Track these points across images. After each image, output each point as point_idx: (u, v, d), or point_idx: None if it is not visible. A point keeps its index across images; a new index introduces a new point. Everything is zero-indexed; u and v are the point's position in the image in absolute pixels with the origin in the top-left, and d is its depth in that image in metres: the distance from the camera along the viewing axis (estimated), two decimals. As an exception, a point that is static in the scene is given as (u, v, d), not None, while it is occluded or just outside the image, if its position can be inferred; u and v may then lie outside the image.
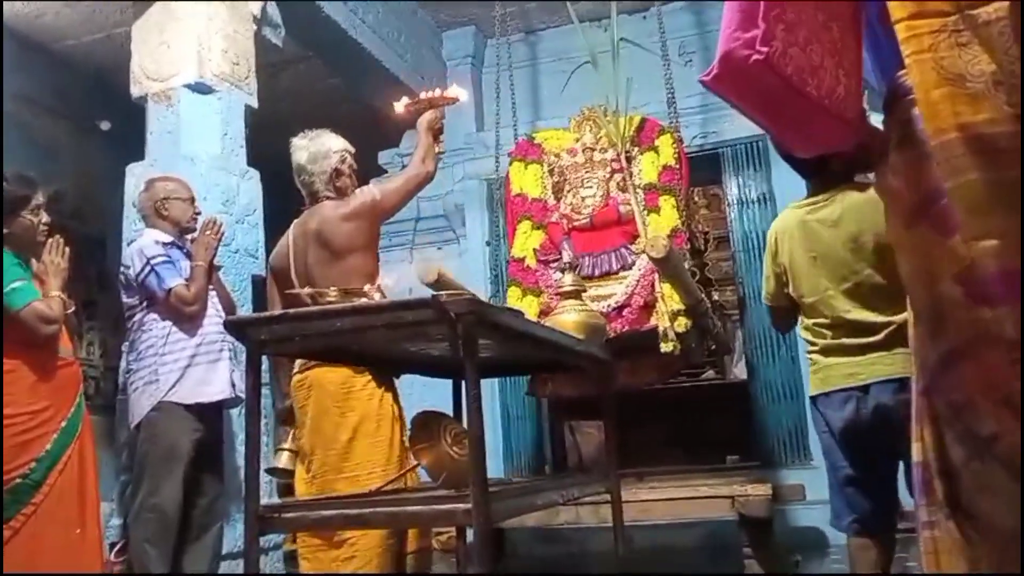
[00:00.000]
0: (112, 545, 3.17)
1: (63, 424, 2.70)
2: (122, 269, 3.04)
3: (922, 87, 1.08)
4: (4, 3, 4.31)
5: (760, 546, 3.21)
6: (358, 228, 2.49)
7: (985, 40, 1.05)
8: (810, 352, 2.39)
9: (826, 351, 2.30)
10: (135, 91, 3.70)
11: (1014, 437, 1.00)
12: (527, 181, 4.12)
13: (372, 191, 2.58)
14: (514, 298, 3.79)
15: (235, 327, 1.72)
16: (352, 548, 2.22)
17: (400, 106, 2.73)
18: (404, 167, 5.69)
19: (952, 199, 1.05)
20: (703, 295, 3.56)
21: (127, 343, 3.20)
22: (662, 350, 3.41)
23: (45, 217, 2.82)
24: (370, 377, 2.36)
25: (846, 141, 1.25)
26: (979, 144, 1.04)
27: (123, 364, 3.40)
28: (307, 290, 1.89)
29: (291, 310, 1.82)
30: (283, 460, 2.81)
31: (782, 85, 1.12)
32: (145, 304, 2.97)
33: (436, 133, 2.71)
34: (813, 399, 2.36)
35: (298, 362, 2.48)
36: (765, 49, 1.09)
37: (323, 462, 2.34)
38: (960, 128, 1.04)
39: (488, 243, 5.33)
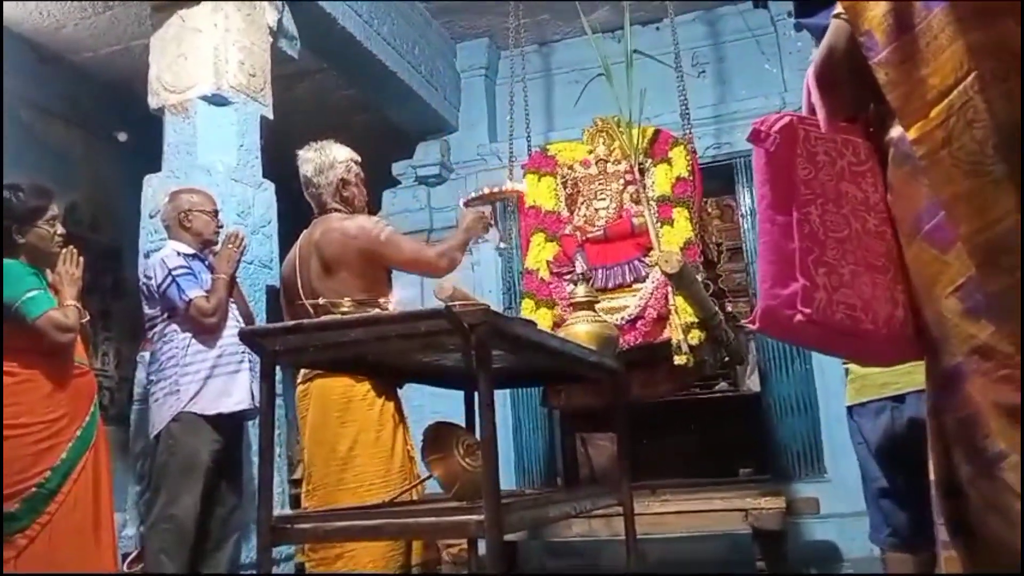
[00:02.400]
0: (125, 555, 3.18)
1: (78, 433, 2.71)
2: (143, 280, 3.06)
3: (946, 189, 1.01)
4: (4, 4, 4.35)
5: (773, 560, 3.19)
6: (354, 249, 2.44)
7: (990, 103, 0.98)
8: (847, 362, 2.36)
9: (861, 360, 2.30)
10: (152, 102, 3.73)
11: (1021, 455, 0.98)
12: (541, 194, 4.13)
13: (382, 230, 2.50)
14: (528, 310, 3.79)
15: (250, 337, 1.73)
16: (355, 560, 2.21)
17: (461, 202, 2.65)
18: (417, 179, 5.81)
19: (1000, 304, 0.98)
20: (716, 307, 3.55)
21: (146, 353, 3.21)
22: (675, 363, 3.40)
23: (60, 228, 2.84)
24: (369, 387, 2.35)
25: (911, 356, 1.19)
26: (1015, 237, 0.96)
27: (138, 375, 3.42)
28: (321, 300, 1.89)
29: (305, 320, 1.83)
30: (301, 472, 2.82)
31: (834, 333, 1.09)
32: (166, 315, 2.99)
33: (476, 234, 2.61)
34: (849, 409, 2.35)
35: (301, 372, 2.47)
36: (808, 310, 1.06)
37: (324, 474, 2.33)
38: (994, 224, 0.98)
39: (501, 255, 5.34)
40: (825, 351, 1.41)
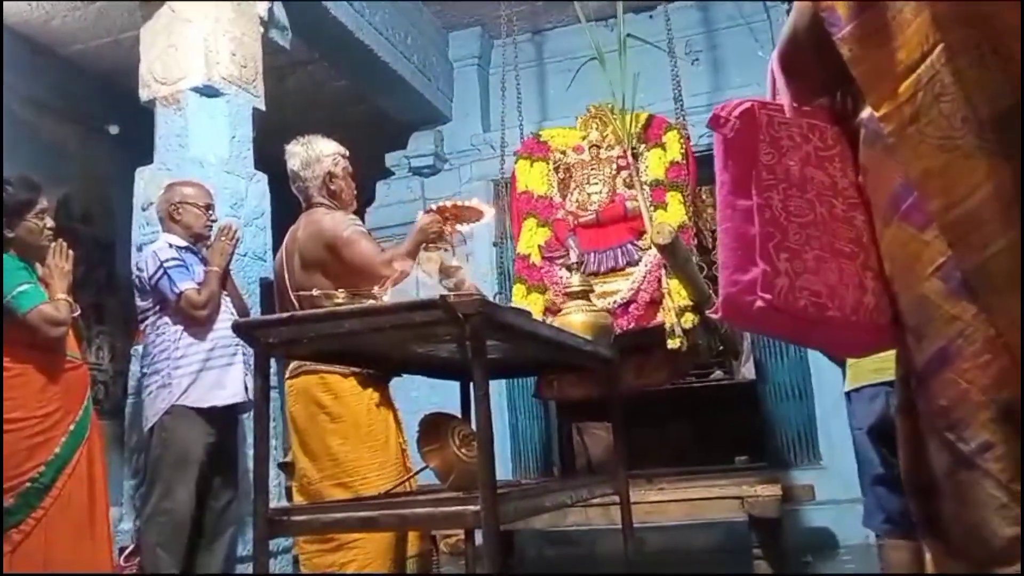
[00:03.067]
0: (122, 549, 3.17)
1: (72, 427, 2.71)
2: (136, 272, 3.05)
3: (916, 165, 0.99)
4: (4, 4, 4.32)
5: (770, 547, 3.20)
6: (323, 247, 2.40)
7: (959, 73, 0.96)
8: None
9: None
10: (143, 94, 3.71)
11: (1008, 448, 0.94)
12: (533, 178, 4.12)
13: (345, 230, 2.41)
14: (519, 295, 3.78)
15: (243, 329, 1.72)
16: (351, 552, 2.20)
17: (422, 213, 2.51)
18: (411, 170, 5.79)
19: (975, 283, 0.96)
20: (710, 291, 3.55)
21: (138, 347, 3.20)
22: (669, 346, 3.39)
23: (50, 221, 2.83)
24: (355, 381, 2.34)
25: (883, 345, 1.15)
26: (993, 208, 0.94)
27: (132, 368, 3.40)
28: (315, 292, 1.88)
29: (299, 312, 1.82)
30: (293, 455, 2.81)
31: (798, 320, 1.06)
32: (158, 307, 2.98)
33: (428, 239, 2.40)
34: (847, 395, 2.35)
35: (288, 368, 2.46)
36: (768, 296, 1.03)
37: (316, 470, 2.32)
38: (966, 199, 0.96)
39: (495, 244, 5.33)
40: (795, 341, 1.39)
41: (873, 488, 2.25)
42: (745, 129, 1.11)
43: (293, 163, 2.60)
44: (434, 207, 2.51)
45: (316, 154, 2.59)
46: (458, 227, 2.49)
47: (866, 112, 1.10)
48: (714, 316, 1.12)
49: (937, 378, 1.00)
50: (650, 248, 3.61)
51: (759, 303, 1.04)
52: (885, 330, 1.11)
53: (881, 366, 2.16)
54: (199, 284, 2.93)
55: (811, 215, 1.10)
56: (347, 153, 2.68)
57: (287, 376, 2.47)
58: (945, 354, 0.99)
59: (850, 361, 2.31)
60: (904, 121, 1.00)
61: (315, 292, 1.86)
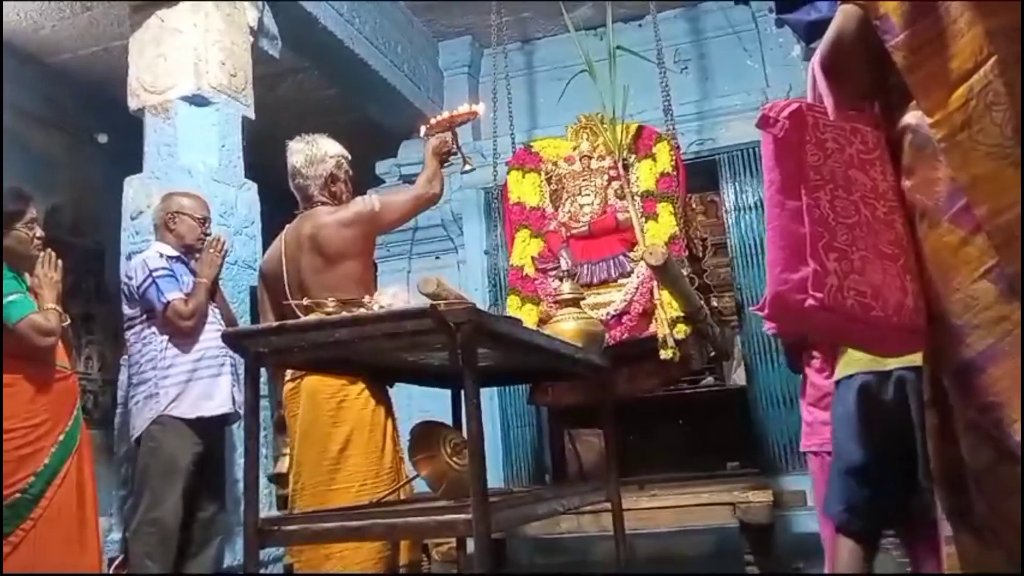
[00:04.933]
0: (111, 560, 3.15)
1: (61, 437, 2.69)
2: (124, 280, 3.04)
3: (966, 171, 1.03)
4: (4, 5, 4.30)
5: (761, 553, 3.20)
6: (354, 236, 2.48)
7: (1011, 85, 0.99)
8: None
9: None
10: (132, 104, 3.70)
11: None
12: (525, 190, 4.12)
13: (372, 201, 2.57)
14: (513, 306, 3.79)
15: (233, 339, 1.72)
16: (341, 563, 2.20)
17: (421, 132, 2.77)
18: (401, 178, 5.80)
19: (1019, 286, 1.00)
20: (702, 302, 3.56)
21: (126, 356, 3.19)
22: (661, 357, 3.40)
23: (39, 231, 2.82)
24: (363, 387, 2.34)
25: (916, 346, 1.18)
26: None
27: (122, 378, 3.39)
28: (305, 301, 1.88)
29: (289, 321, 1.82)
30: (284, 465, 2.80)
31: (844, 319, 1.08)
32: (145, 316, 2.97)
33: (442, 158, 2.72)
34: (836, 383, 2.33)
35: (290, 371, 2.46)
36: (820, 294, 1.05)
37: (313, 473, 2.32)
38: (1013, 205, 0.99)
39: (487, 252, 5.33)
40: (832, 338, 1.40)
41: (844, 477, 2.21)
42: (794, 129, 1.13)
43: (296, 159, 2.61)
44: (432, 120, 2.74)
45: (320, 154, 2.61)
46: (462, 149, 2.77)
47: (913, 117, 1.12)
48: (759, 313, 1.13)
49: (983, 375, 1.03)
50: (642, 259, 3.62)
51: (810, 302, 1.06)
52: (920, 331, 1.13)
53: (865, 356, 2.14)
54: (187, 295, 2.92)
55: (856, 216, 1.12)
56: (349, 156, 2.70)
57: (289, 379, 2.47)
58: (993, 353, 1.02)
59: (842, 350, 2.29)
60: (955, 128, 1.03)
61: (305, 301, 1.86)
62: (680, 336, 3.42)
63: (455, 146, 2.75)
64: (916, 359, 2.01)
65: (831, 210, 1.11)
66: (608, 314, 3.61)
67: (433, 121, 2.75)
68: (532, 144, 4.35)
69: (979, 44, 1.01)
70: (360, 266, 2.50)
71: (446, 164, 2.75)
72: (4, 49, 4.81)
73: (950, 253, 1.07)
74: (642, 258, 3.13)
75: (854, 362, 2.22)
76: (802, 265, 1.07)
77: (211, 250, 3.04)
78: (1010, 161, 0.99)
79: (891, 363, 2.12)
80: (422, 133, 2.78)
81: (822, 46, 1.23)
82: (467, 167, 2.78)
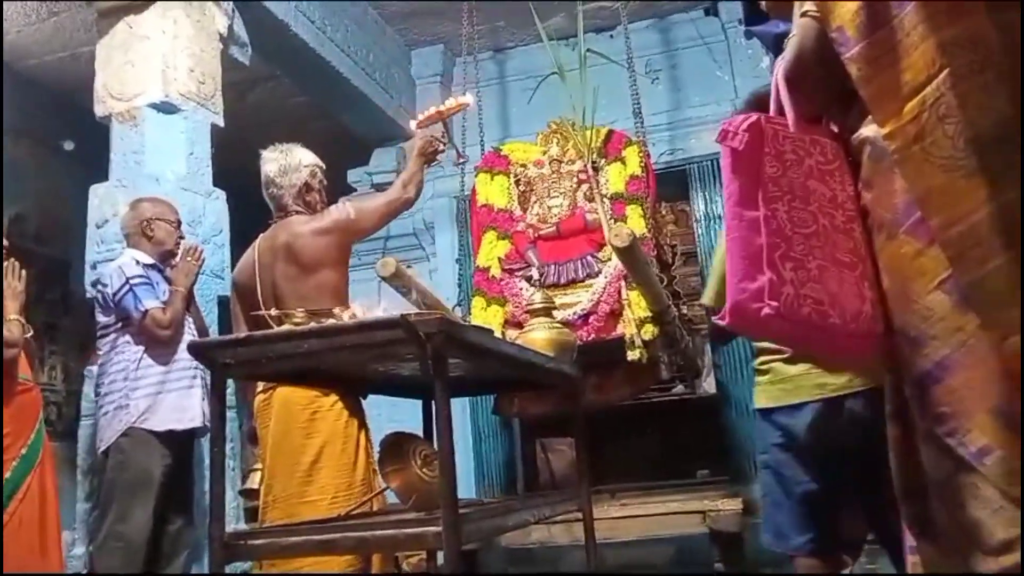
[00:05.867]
0: (75, 575, 3.09)
1: (23, 451, 2.64)
2: (99, 288, 2.99)
3: (919, 183, 1.04)
4: (3, 5, 4.23)
5: (731, 560, 3.22)
6: (329, 244, 2.47)
7: (963, 97, 1.01)
8: (770, 361, 2.21)
9: (793, 359, 2.12)
10: (99, 111, 3.65)
11: (1007, 451, 0.99)
12: (493, 192, 4.12)
13: (347, 209, 2.56)
14: (479, 308, 3.78)
15: (199, 350, 1.70)
16: None
17: (412, 125, 2.74)
18: (373, 186, 5.77)
19: (973, 297, 1.01)
20: (670, 302, 3.57)
21: (94, 367, 3.14)
22: (628, 358, 3.41)
23: (3, 240, 2.77)
24: (337, 398, 2.32)
25: (875, 353, 1.19)
26: (993, 226, 0.99)
27: (86, 389, 3.33)
28: (273, 312, 1.86)
29: (257, 332, 1.80)
30: (255, 481, 2.76)
31: (801, 327, 1.10)
32: (120, 325, 2.92)
33: (428, 158, 2.70)
34: (769, 411, 2.19)
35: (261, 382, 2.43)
36: (775, 303, 1.07)
37: (285, 486, 2.29)
38: (966, 217, 1.00)
39: (458, 261, 5.33)
40: (795, 347, 1.41)
41: (798, 507, 2.10)
42: (752, 142, 1.14)
43: (270, 168, 2.59)
44: (421, 116, 2.72)
45: (295, 163, 2.59)
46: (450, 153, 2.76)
47: (870, 129, 1.14)
48: (721, 322, 1.14)
49: (940, 386, 1.05)
50: (610, 260, 3.63)
51: (766, 310, 1.07)
52: (877, 338, 1.15)
53: (824, 380, 2.06)
54: (164, 303, 2.88)
55: (814, 226, 1.14)
56: (323, 166, 2.68)
57: (260, 390, 2.44)
58: (949, 363, 1.04)
59: (776, 375, 2.18)
60: (909, 140, 1.04)
61: (273, 312, 1.85)
62: (648, 337, 3.43)
63: (447, 139, 2.73)
64: (866, 382, 2.00)
65: (788, 220, 1.12)
66: (575, 314, 3.62)
67: (422, 116, 2.73)
68: (501, 147, 4.35)
69: (931, 57, 1.02)
70: (336, 275, 2.48)
71: (433, 164, 2.71)
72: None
73: (906, 264, 1.09)
74: (609, 241, 3.11)
75: (802, 389, 2.09)
76: (759, 275, 1.09)
77: (188, 258, 3.01)
78: (962, 173, 1.01)
79: (840, 389, 2.03)
80: (412, 126, 2.76)
81: (784, 58, 1.25)
82: (461, 160, 2.76)
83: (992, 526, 1.00)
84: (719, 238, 2.33)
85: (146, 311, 2.83)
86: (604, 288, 3.67)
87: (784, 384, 2.15)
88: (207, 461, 3.15)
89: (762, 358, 2.21)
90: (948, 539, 1.07)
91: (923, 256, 1.06)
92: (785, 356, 2.16)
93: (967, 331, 1.02)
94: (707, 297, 2.31)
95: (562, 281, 3.83)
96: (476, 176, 4.21)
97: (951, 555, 1.07)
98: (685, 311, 5.86)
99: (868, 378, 1.98)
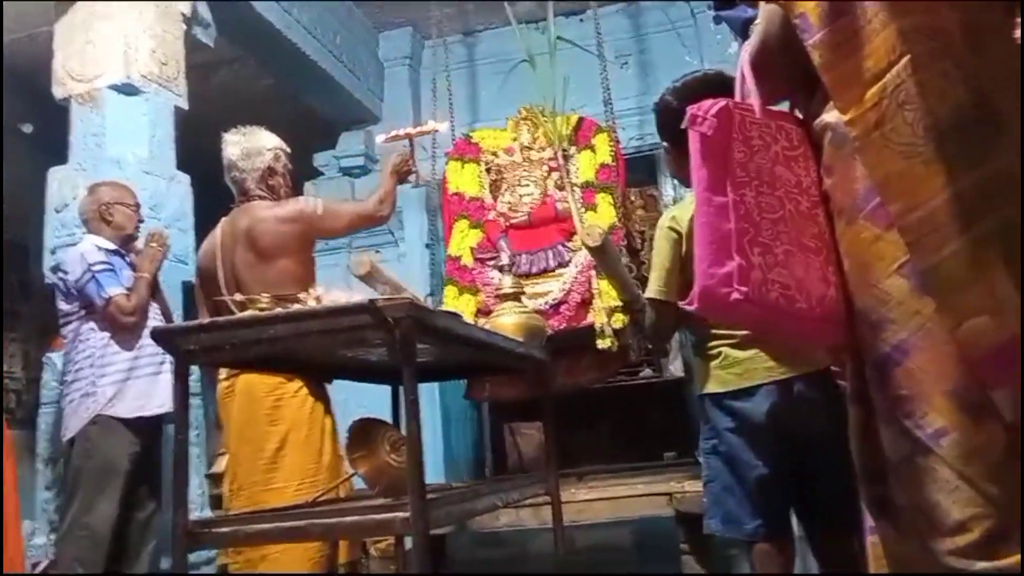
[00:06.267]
0: (34, 565, 3.05)
1: (-19, 439, 2.59)
2: (60, 275, 2.93)
3: (879, 169, 1.05)
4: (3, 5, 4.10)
5: (696, 542, 3.25)
6: (290, 234, 2.42)
7: (923, 84, 1.02)
8: (718, 346, 2.14)
9: (742, 344, 2.09)
10: (58, 92, 3.57)
11: (962, 435, 1.01)
12: (464, 180, 4.11)
13: (315, 204, 2.50)
14: (451, 297, 3.78)
15: (163, 336, 1.67)
16: (277, 564, 2.16)
17: (380, 139, 2.69)
18: (341, 171, 5.72)
19: (930, 282, 1.03)
20: (640, 291, 3.59)
21: (54, 354, 3.08)
22: (599, 347, 3.43)
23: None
24: (301, 384, 2.30)
25: (839, 337, 1.19)
26: (950, 213, 1.01)
27: (46, 376, 3.27)
28: (238, 297, 1.84)
29: (220, 318, 1.78)
30: (222, 465, 2.74)
31: (769, 312, 1.11)
32: (83, 312, 2.87)
33: (402, 176, 2.65)
34: (719, 395, 2.13)
35: (224, 368, 2.40)
36: (745, 288, 1.08)
37: (250, 473, 2.27)
38: (925, 203, 1.02)
39: (428, 246, 5.30)
40: (762, 332, 1.42)
41: (751, 492, 2.06)
42: (721, 127, 1.15)
43: (232, 152, 2.54)
44: (397, 132, 2.68)
45: (257, 146, 2.54)
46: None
47: (832, 115, 1.14)
48: (689, 308, 1.15)
49: (898, 369, 1.06)
50: (581, 249, 3.65)
51: (735, 295, 1.08)
52: (842, 323, 1.16)
53: (774, 364, 2.03)
54: (128, 290, 2.83)
55: (781, 212, 1.14)
56: (288, 150, 2.64)
57: (224, 376, 2.41)
58: (906, 346, 1.06)
59: (728, 360, 2.12)
60: (869, 127, 1.06)
61: (238, 297, 1.82)
62: (618, 326, 3.46)
63: (413, 160, 2.68)
64: (818, 363, 2.01)
65: (756, 206, 1.13)
66: (546, 303, 3.63)
67: (393, 133, 2.69)
68: (471, 135, 4.34)
69: (892, 44, 1.03)
70: (296, 263, 2.43)
71: (404, 183, 2.67)
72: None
73: (865, 249, 1.10)
74: (581, 240, 3.13)
75: (754, 372, 2.05)
76: (728, 260, 1.09)
77: (153, 243, 2.96)
78: (921, 160, 1.02)
79: (789, 371, 2.01)
80: (381, 141, 2.73)
81: (751, 45, 1.25)
82: (422, 182, 2.73)
83: (948, 506, 1.02)
84: (658, 231, 2.28)
85: (109, 298, 2.78)
86: (575, 277, 3.69)
87: (735, 368, 2.10)
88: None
89: (714, 343, 2.15)
90: (906, 519, 1.09)
91: (882, 241, 1.07)
92: (734, 341, 2.11)
93: (924, 315, 1.04)
94: (652, 291, 2.20)
95: (533, 271, 3.84)
96: (447, 163, 4.20)
97: (909, 535, 1.09)
98: (653, 296, 5.86)
99: (816, 362, 1.98)
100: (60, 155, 3.53)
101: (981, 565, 1.00)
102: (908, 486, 1.07)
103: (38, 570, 3.02)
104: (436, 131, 2.73)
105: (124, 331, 2.83)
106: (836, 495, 2.02)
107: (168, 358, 2.86)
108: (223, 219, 2.57)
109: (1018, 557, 0.99)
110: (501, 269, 3.24)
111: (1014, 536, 1.00)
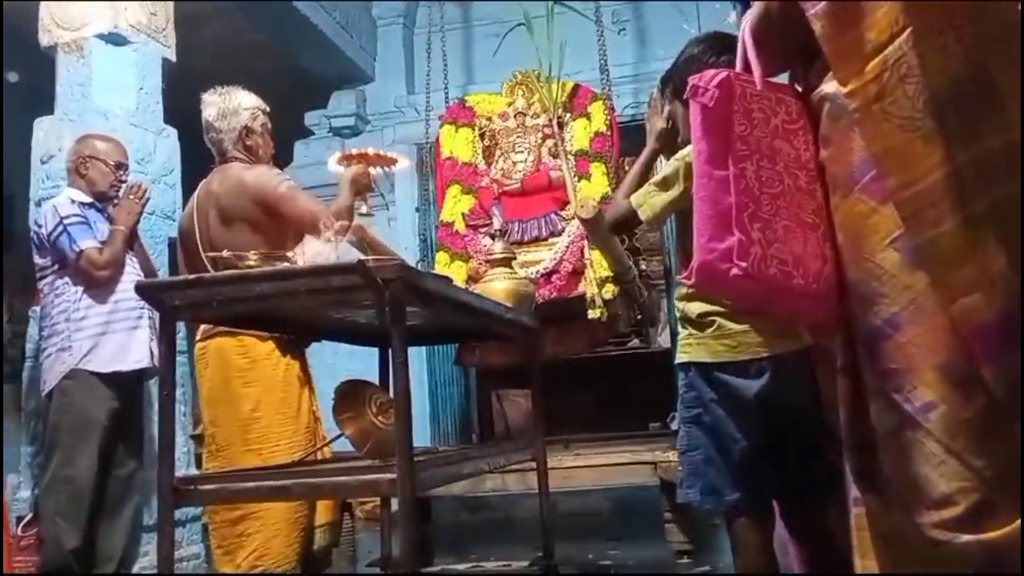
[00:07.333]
0: (19, 519, 3.04)
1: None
2: (34, 228, 2.89)
3: (877, 143, 1.04)
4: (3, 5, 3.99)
5: (680, 510, 3.28)
6: (250, 199, 2.32)
7: (924, 57, 1.01)
8: (713, 315, 2.02)
9: (736, 316, 1.98)
10: (44, 40, 3.49)
11: (950, 408, 1.01)
12: (458, 145, 4.07)
13: (279, 185, 2.35)
14: (442, 263, 3.75)
15: (148, 291, 1.65)
16: (256, 522, 2.14)
17: (333, 161, 2.54)
18: (331, 130, 5.65)
19: (925, 257, 1.02)
20: (631, 263, 3.60)
21: (36, 308, 3.04)
22: (589, 316, 3.42)
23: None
24: (274, 345, 2.27)
25: (829, 316, 1.20)
26: (947, 188, 1.00)
27: (31, 330, 3.24)
28: (225, 253, 1.80)
29: (207, 274, 1.75)
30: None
31: (767, 287, 1.10)
32: (57, 266, 2.83)
33: (361, 191, 2.47)
34: (707, 366, 2.04)
35: (200, 329, 2.36)
36: (744, 264, 1.07)
37: (226, 435, 2.25)
38: (923, 178, 1.01)
39: (418, 209, 5.26)
40: (758, 307, 1.41)
41: (734, 465, 1.99)
42: (722, 99, 1.13)
43: (208, 113, 2.48)
44: (354, 151, 2.51)
45: (234, 106, 2.48)
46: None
47: (830, 87, 1.13)
48: (687, 282, 1.14)
49: (889, 342, 1.06)
50: (573, 219, 3.63)
51: (735, 271, 1.08)
52: (831, 302, 1.16)
53: (762, 339, 1.93)
54: (102, 243, 2.79)
55: (780, 186, 1.13)
56: (267, 109, 2.57)
57: (199, 338, 2.37)
58: (897, 320, 1.05)
59: (721, 331, 2.00)
60: (869, 99, 1.04)
61: (225, 253, 1.79)
62: (608, 296, 3.45)
63: (368, 177, 2.50)
64: (805, 341, 1.99)
65: (756, 180, 1.12)
66: (538, 272, 3.62)
67: (353, 151, 2.54)
68: (466, 99, 4.28)
69: (895, 16, 1.02)
70: (260, 229, 2.31)
71: (360, 198, 2.47)
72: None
73: (860, 222, 1.10)
74: (574, 212, 3.12)
75: (745, 346, 1.93)
76: (728, 235, 1.09)
77: (130, 196, 2.91)
78: (920, 134, 1.01)
79: (777, 348, 1.90)
80: (336, 160, 2.56)
81: (752, 16, 1.23)
82: (366, 211, 2.52)
83: (935, 480, 1.03)
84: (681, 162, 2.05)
85: (81, 251, 2.74)
86: (567, 247, 3.68)
87: (728, 340, 2.03)
88: (156, 405, 3.10)
89: (704, 311, 2.10)
90: (893, 492, 1.10)
91: (876, 214, 1.07)
92: (728, 311, 2.01)
93: (916, 289, 1.04)
94: (643, 205, 1.95)
95: (525, 239, 3.82)
96: (440, 127, 4.15)
97: (896, 507, 1.09)
98: (644, 267, 5.90)
99: (803, 340, 1.95)
100: (47, 105, 3.46)
101: (966, 538, 1.01)
102: (895, 459, 1.08)
103: (24, 523, 3.01)
104: (396, 162, 2.57)
105: (98, 285, 2.79)
106: (813, 470, 2.03)
107: (147, 313, 2.83)
108: (203, 180, 2.52)
109: (1003, 530, 1.00)
110: (493, 236, 3.22)
111: (999, 509, 1.01)
